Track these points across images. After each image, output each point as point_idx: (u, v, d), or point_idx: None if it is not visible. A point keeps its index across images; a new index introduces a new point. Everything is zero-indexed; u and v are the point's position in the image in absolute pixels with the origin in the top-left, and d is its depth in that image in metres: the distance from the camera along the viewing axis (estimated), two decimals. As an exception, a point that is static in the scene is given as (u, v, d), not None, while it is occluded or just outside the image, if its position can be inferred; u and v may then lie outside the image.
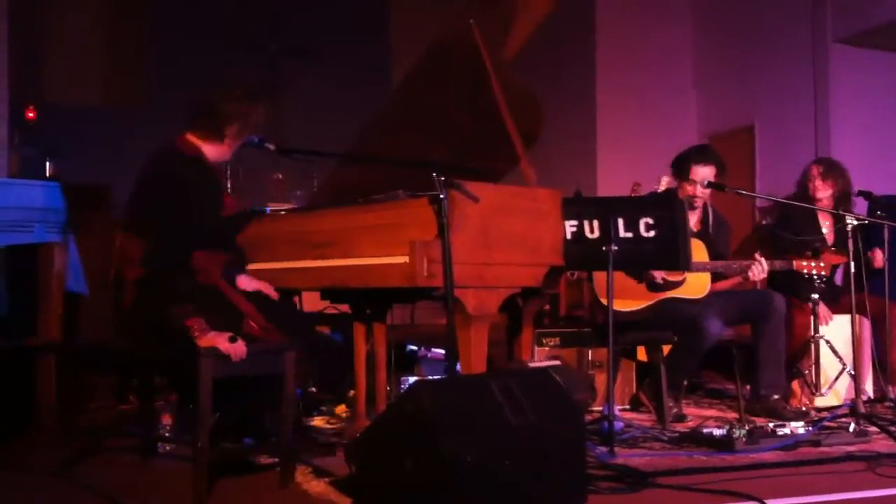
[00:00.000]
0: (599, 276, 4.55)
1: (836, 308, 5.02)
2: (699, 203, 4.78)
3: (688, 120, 9.18)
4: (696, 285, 4.60)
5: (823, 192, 5.19)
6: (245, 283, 3.51)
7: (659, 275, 4.54)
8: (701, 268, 4.53)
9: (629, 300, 4.56)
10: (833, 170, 5.23)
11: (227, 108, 3.40)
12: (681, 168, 4.77)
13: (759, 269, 4.56)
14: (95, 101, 9.60)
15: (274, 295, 3.55)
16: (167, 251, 3.26)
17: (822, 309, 4.97)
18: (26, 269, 4.02)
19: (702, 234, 4.76)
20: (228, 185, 6.16)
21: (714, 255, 4.70)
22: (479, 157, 4.21)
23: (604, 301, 4.50)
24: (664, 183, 4.78)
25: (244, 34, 9.90)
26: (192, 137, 3.43)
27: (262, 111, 3.49)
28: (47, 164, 4.86)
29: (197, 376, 3.00)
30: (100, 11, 9.95)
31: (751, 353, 4.77)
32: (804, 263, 4.59)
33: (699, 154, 4.81)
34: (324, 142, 4.35)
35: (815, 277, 4.60)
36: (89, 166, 7.03)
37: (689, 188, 4.74)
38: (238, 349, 3.08)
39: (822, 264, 4.59)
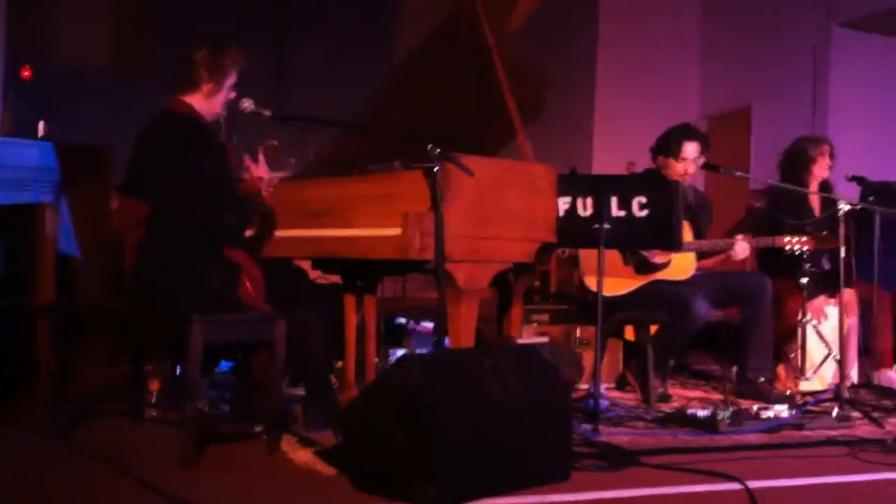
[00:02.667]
0: (586, 258, 4.55)
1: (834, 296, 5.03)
2: (688, 181, 4.77)
3: (688, 101, 9.16)
4: (681, 266, 4.60)
5: (826, 173, 5.19)
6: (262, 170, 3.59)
7: (653, 255, 4.54)
8: (686, 248, 4.53)
9: (615, 282, 4.55)
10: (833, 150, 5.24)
11: (196, 56, 3.44)
12: (669, 146, 4.74)
13: (742, 248, 4.58)
14: (95, 63, 9.51)
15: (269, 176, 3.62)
16: (170, 209, 3.30)
17: (821, 301, 4.99)
18: (20, 230, 4.01)
19: (685, 212, 4.73)
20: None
21: (696, 232, 4.71)
22: (477, 130, 4.20)
23: (588, 283, 4.52)
24: (662, 164, 4.78)
25: (247, 1, 9.81)
26: (179, 96, 3.45)
27: (233, 54, 3.49)
28: (40, 124, 4.82)
29: (187, 342, 3.01)
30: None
31: (738, 335, 4.80)
32: (786, 239, 4.61)
33: (687, 130, 4.80)
34: (325, 112, 4.34)
35: (798, 252, 4.62)
36: (86, 129, 6.99)
37: (680, 166, 4.72)
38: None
39: (804, 239, 4.61)
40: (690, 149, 4.70)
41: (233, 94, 3.55)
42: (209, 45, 3.49)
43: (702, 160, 4.72)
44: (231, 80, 3.52)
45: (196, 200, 3.31)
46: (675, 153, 4.71)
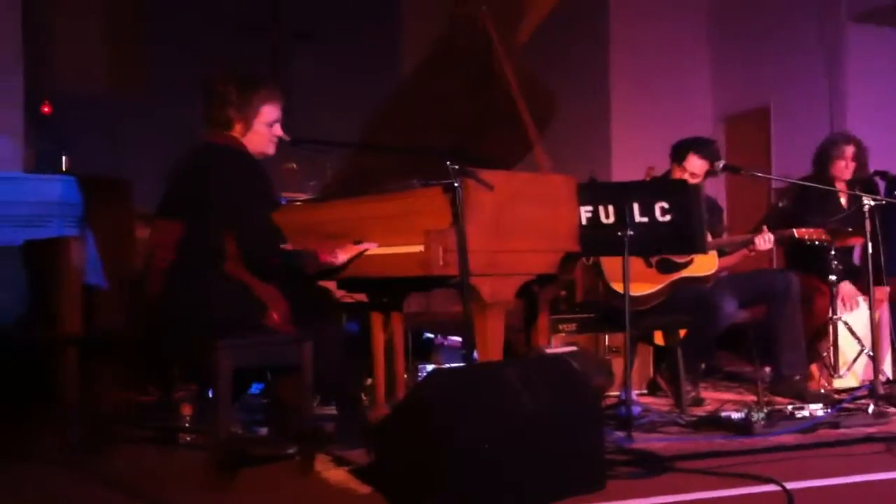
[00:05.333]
0: (609, 263, 4.55)
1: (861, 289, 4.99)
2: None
3: (703, 103, 9.13)
4: (704, 263, 4.60)
5: (850, 174, 5.15)
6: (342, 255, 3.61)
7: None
8: (708, 246, 4.51)
9: (640, 284, 4.55)
10: (862, 151, 5.19)
11: (223, 91, 3.44)
12: (678, 153, 4.77)
13: (764, 239, 4.55)
14: (101, 92, 9.56)
15: (370, 246, 3.63)
16: (201, 238, 3.31)
17: (848, 288, 4.95)
18: (45, 264, 4.05)
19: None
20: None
21: (710, 235, 4.70)
22: (492, 144, 4.20)
23: (614, 286, 4.51)
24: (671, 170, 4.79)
25: (247, 19, 9.84)
26: (215, 132, 3.47)
27: (264, 89, 3.49)
28: (63, 158, 4.89)
29: (215, 366, 3.02)
30: (101, 2, 9.88)
31: (768, 335, 4.76)
32: (803, 231, 4.58)
33: (699, 145, 4.79)
34: (331, 128, 4.35)
35: (819, 244, 4.58)
36: (101, 159, 7.06)
37: (679, 173, 4.74)
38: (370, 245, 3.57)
39: (820, 231, 4.58)
40: (695, 162, 4.70)
41: (279, 132, 3.53)
42: (236, 79, 3.47)
43: (720, 164, 4.70)
44: (267, 116, 3.50)
45: (239, 234, 3.32)
46: (681, 161, 4.73)
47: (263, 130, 3.50)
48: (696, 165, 4.70)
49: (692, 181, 4.68)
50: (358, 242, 3.64)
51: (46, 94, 7.91)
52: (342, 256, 3.60)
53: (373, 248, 3.63)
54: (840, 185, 5.13)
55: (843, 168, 5.16)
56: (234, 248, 3.34)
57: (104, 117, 8.85)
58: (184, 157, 3.49)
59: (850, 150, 5.17)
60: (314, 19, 10.02)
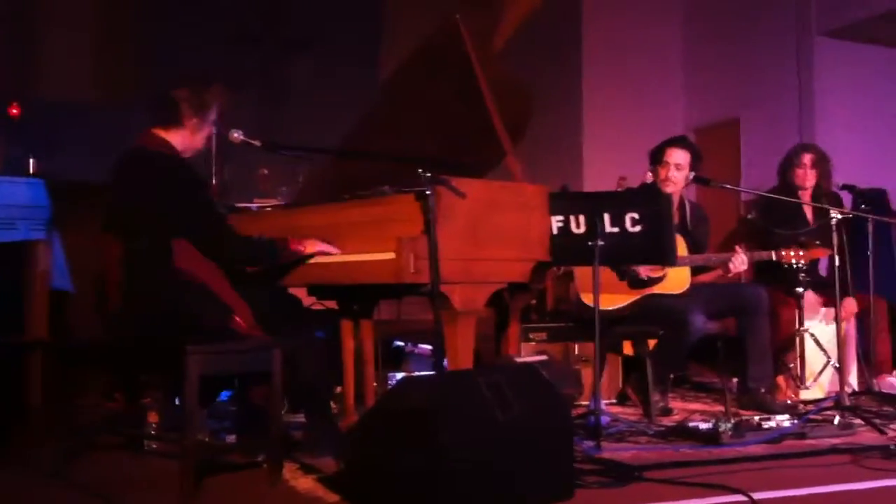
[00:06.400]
0: (581, 274, 4.55)
1: (826, 300, 5.04)
2: (671, 187, 4.75)
3: (675, 114, 9.21)
4: (676, 280, 4.61)
5: (811, 182, 5.20)
6: (311, 246, 3.66)
7: (644, 271, 4.55)
8: (681, 262, 4.54)
9: (611, 297, 4.55)
10: (823, 160, 5.24)
11: (179, 92, 3.44)
12: (655, 154, 4.81)
13: (740, 261, 4.57)
14: (83, 96, 9.52)
15: (335, 251, 3.67)
16: (145, 251, 3.29)
17: (811, 296, 4.99)
18: (11, 268, 4.00)
19: (680, 228, 4.75)
20: (213, 181, 6.13)
21: (693, 248, 4.71)
22: (466, 152, 4.20)
23: (584, 299, 4.51)
24: (650, 178, 4.80)
25: (236, 28, 9.84)
26: (155, 131, 3.45)
27: (216, 91, 3.51)
28: (31, 161, 4.84)
29: (184, 373, 2.99)
30: (89, 4, 9.84)
31: (736, 347, 4.79)
32: (783, 253, 4.61)
33: (673, 139, 4.86)
34: (312, 135, 4.34)
35: (796, 266, 4.62)
36: (75, 163, 6.99)
37: (662, 171, 4.75)
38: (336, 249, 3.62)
39: (801, 253, 4.61)
40: (674, 154, 4.72)
41: (212, 129, 3.56)
42: (191, 81, 3.50)
43: (691, 175, 4.73)
44: (214, 115, 3.53)
45: (191, 235, 3.30)
46: (659, 159, 4.75)
47: (209, 128, 3.54)
48: (678, 156, 4.72)
49: (679, 174, 4.69)
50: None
51: (17, 97, 7.84)
52: (311, 247, 3.65)
53: (336, 254, 3.66)
54: (804, 195, 5.18)
55: (803, 176, 5.21)
56: (186, 253, 3.32)
57: (88, 122, 8.79)
58: (118, 164, 3.45)
59: (808, 157, 5.22)
60: (307, 29, 10.05)
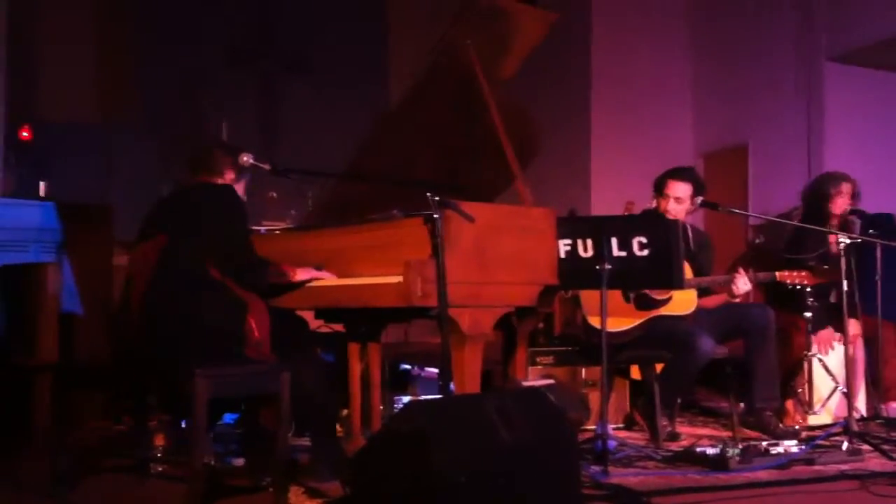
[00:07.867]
0: (588, 298, 4.55)
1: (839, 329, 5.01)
2: (683, 219, 4.76)
3: (682, 140, 9.23)
4: (683, 301, 4.60)
5: (846, 210, 5.19)
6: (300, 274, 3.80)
7: (656, 292, 4.54)
8: (687, 285, 4.52)
9: (618, 320, 4.54)
10: (858, 191, 5.24)
11: (218, 151, 3.73)
12: (658, 184, 4.80)
13: (743, 282, 4.56)
14: (88, 118, 9.58)
15: (328, 275, 3.79)
16: (188, 247, 3.38)
17: (827, 333, 4.98)
18: (22, 290, 4.02)
19: (683, 253, 4.73)
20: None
21: (697, 273, 4.70)
22: (474, 176, 4.22)
23: (591, 321, 4.51)
24: (654, 206, 4.80)
25: (237, 49, 9.91)
26: (207, 177, 3.64)
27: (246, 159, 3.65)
28: (41, 184, 4.88)
29: (193, 395, 3.00)
30: (90, 27, 9.91)
31: (745, 370, 4.77)
32: (786, 274, 4.60)
33: (675, 171, 4.83)
34: (318, 155, 4.37)
35: (800, 287, 4.60)
36: (84, 185, 7.04)
37: (662, 202, 4.74)
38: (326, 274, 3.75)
39: (803, 274, 4.60)
40: (674, 187, 4.71)
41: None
42: (229, 147, 3.80)
43: (698, 200, 4.73)
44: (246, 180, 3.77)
45: (228, 257, 3.41)
46: (661, 191, 4.75)
47: (242, 187, 3.74)
48: (678, 189, 4.70)
49: (679, 206, 4.69)
50: (319, 268, 3.82)
51: (27, 120, 7.89)
52: (300, 275, 3.78)
53: (328, 279, 3.77)
54: (834, 223, 5.15)
55: (842, 205, 5.19)
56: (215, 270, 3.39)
57: (94, 144, 8.85)
58: (175, 191, 3.57)
59: (846, 186, 5.22)
60: (305, 49, 10.10)
